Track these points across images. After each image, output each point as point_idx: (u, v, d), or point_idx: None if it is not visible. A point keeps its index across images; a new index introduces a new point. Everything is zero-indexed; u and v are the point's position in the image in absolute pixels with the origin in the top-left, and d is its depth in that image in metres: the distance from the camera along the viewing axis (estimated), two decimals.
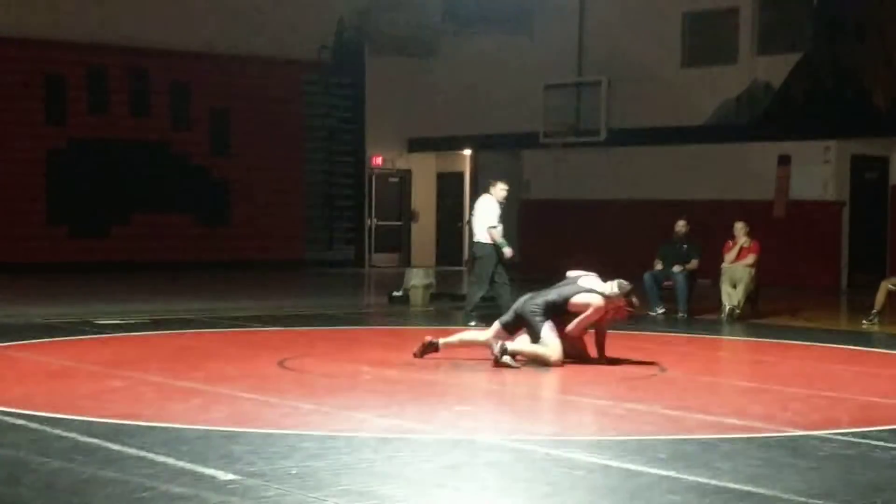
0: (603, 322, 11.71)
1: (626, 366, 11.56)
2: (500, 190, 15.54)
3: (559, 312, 11.53)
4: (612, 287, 11.56)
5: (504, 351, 11.32)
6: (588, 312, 11.46)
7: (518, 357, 11.43)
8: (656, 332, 15.25)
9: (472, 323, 15.01)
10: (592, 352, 11.76)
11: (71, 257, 25.10)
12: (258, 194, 27.69)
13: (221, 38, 26.72)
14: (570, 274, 11.99)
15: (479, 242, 15.59)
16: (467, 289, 17.32)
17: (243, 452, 7.23)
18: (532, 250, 27.94)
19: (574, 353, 11.62)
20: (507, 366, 11.22)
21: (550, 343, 11.41)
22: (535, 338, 11.46)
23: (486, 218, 15.42)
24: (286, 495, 6.22)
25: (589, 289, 11.60)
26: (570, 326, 11.51)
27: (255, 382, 10.14)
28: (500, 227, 15.43)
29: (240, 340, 13.83)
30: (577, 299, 11.50)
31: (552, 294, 11.65)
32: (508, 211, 28.55)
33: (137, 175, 26.28)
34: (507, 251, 15.33)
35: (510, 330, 11.68)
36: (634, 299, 11.72)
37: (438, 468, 7.00)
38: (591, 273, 11.89)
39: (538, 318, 11.45)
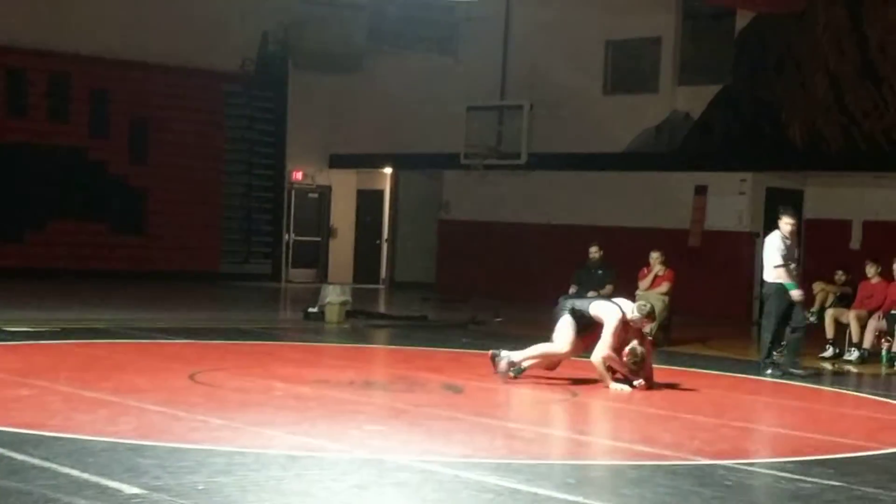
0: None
1: (539, 390, 11.59)
2: (784, 224, 14.30)
3: (586, 323, 11.88)
4: (632, 310, 11.90)
5: (510, 367, 11.72)
6: (610, 326, 11.68)
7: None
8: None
9: (769, 372, 13.86)
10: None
11: None
12: (175, 205, 27.44)
13: (144, 47, 26.49)
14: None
15: (766, 281, 14.42)
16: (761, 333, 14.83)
17: (150, 466, 7.16)
18: (450, 271, 27.99)
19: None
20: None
21: (563, 335, 11.79)
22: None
23: (770, 256, 14.26)
24: None
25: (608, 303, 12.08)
26: (601, 351, 11.70)
27: (165, 395, 10.04)
28: (791, 265, 14.18)
29: (151, 352, 13.69)
30: (596, 309, 11.89)
31: (581, 303, 12.21)
32: (427, 231, 28.90)
33: (54, 181, 25.92)
34: (794, 293, 14.04)
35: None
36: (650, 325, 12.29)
37: (347, 487, 6.97)
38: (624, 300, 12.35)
39: (563, 313, 11.88)
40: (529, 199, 26.51)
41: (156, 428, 8.61)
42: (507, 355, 11.92)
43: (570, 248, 22.07)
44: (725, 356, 15.68)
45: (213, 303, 22.28)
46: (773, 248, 14.19)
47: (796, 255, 14.33)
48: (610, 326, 11.70)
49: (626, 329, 11.81)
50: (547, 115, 25.86)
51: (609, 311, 11.81)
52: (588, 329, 11.91)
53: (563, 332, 11.82)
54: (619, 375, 11.86)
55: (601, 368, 11.80)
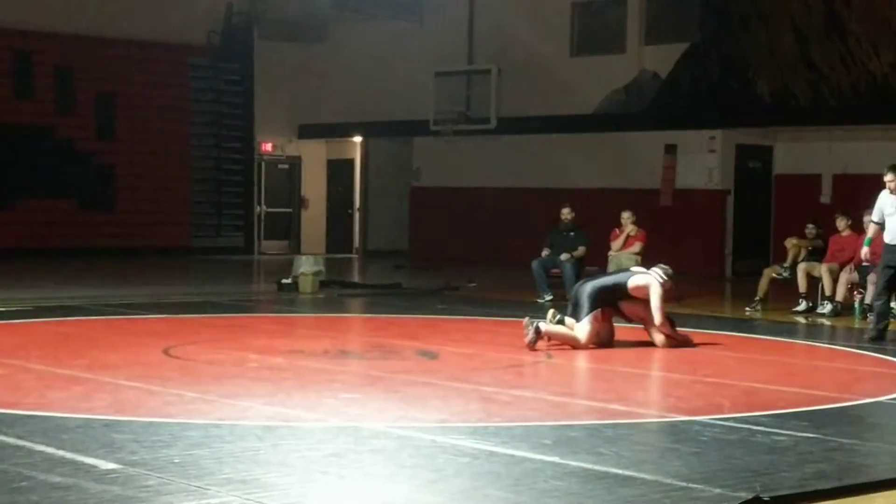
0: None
1: (514, 354, 11.61)
2: (887, 181, 13.35)
3: (619, 297, 12.16)
4: (659, 273, 12.24)
5: (537, 332, 11.75)
6: (657, 295, 12.06)
7: (553, 341, 11.93)
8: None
9: (869, 337, 13.28)
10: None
11: None
12: (145, 180, 27.33)
13: (108, 22, 26.31)
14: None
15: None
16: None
17: (125, 441, 7.13)
18: (422, 237, 27.98)
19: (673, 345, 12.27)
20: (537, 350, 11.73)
21: (584, 328, 11.94)
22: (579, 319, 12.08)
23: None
24: (168, 484, 6.14)
25: (643, 273, 12.39)
26: (657, 320, 12.12)
27: (139, 370, 10.01)
28: (891, 224, 13.18)
29: (124, 328, 13.64)
30: (638, 281, 12.17)
31: (608, 280, 12.46)
32: (398, 199, 28.87)
33: (21, 160, 25.76)
34: (861, 251, 13.56)
35: (574, 317, 12.15)
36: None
37: (323, 456, 6.96)
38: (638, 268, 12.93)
39: (588, 304, 11.99)
40: (500, 164, 26.50)
41: (130, 403, 8.58)
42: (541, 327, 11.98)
43: (542, 210, 22.10)
44: (700, 314, 15.71)
45: (186, 277, 22.22)
46: (875, 206, 13.55)
47: None
48: (657, 296, 12.06)
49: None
50: (515, 78, 25.83)
51: (651, 281, 12.13)
52: (614, 302, 12.16)
53: (586, 325, 11.95)
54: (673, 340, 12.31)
55: (670, 345, 12.20)
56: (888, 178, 13.36)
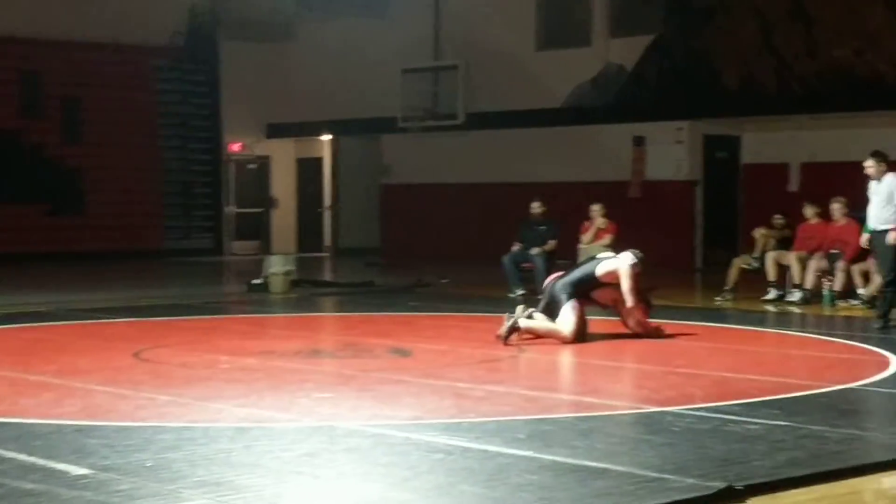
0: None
1: (487, 349, 11.62)
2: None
3: (592, 287, 12.22)
4: (628, 257, 12.28)
5: (515, 327, 11.70)
6: (626, 277, 12.09)
7: (525, 336, 11.86)
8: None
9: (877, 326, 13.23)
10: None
11: None
12: (113, 183, 27.21)
13: (71, 25, 26.17)
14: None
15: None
16: None
17: (97, 446, 7.10)
18: (394, 234, 27.97)
19: (644, 331, 12.35)
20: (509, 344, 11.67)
21: (567, 320, 11.91)
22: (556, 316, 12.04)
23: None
24: (140, 489, 6.12)
25: (610, 258, 12.48)
26: (629, 303, 12.15)
27: (110, 375, 9.97)
28: (870, 209, 13.31)
29: (94, 332, 13.56)
30: (606, 266, 12.23)
31: (577, 273, 12.40)
32: (369, 196, 28.83)
33: None
34: (861, 238, 13.71)
35: (550, 315, 12.11)
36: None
37: (297, 456, 6.95)
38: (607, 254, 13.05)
39: (564, 297, 12.00)
40: (469, 159, 26.50)
41: (102, 408, 8.54)
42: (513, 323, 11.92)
43: (512, 205, 22.09)
44: (670, 304, 15.75)
45: (156, 280, 22.12)
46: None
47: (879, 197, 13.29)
48: (627, 278, 12.10)
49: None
50: (482, 73, 25.83)
51: (621, 265, 12.19)
52: (587, 293, 12.20)
53: (569, 316, 11.95)
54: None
55: (642, 329, 12.29)
56: (868, 163, 13.45)
